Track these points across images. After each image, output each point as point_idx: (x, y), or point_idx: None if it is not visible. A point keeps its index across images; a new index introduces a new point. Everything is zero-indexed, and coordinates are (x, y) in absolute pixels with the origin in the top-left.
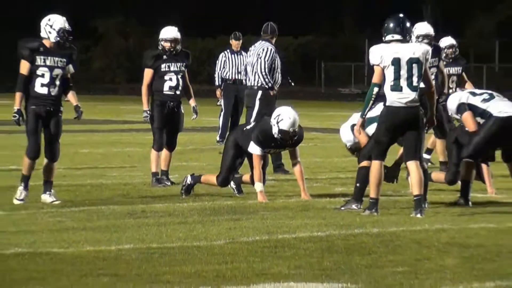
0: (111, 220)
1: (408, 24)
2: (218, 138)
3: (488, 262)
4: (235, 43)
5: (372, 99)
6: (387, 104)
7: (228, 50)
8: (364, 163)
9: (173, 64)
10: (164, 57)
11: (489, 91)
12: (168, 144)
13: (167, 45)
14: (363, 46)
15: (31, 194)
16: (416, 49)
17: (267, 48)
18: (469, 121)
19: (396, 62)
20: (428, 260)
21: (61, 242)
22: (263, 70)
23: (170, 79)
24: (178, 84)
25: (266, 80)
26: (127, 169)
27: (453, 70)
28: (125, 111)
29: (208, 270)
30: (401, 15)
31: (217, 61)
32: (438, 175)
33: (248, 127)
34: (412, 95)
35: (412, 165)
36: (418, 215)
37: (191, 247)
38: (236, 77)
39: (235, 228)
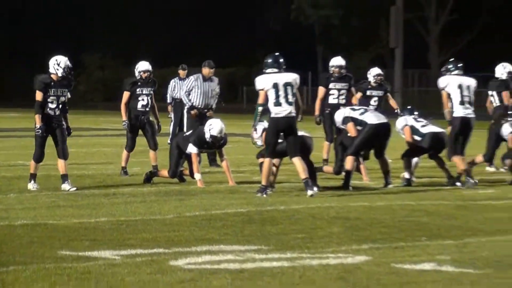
0: (91, 200)
1: (281, 60)
2: (168, 141)
3: (363, 231)
4: (182, 72)
5: (259, 114)
6: (271, 116)
7: (177, 77)
8: (261, 160)
9: (145, 88)
10: (139, 83)
11: (364, 107)
12: (152, 146)
13: (144, 75)
14: None
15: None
16: (289, 76)
17: (190, 78)
18: (351, 129)
19: (275, 86)
20: (320, 229)
21: (54, 216)
22: (183, 95)
23: (143, 100)
24: (148, 103)
25: (187, 102)
26: (103, 164)
27: (340, 85)
28: (102, 121)
29: (161, 236)
30: (277, 53)
31: (169, 86)
32: (327, 168)
33: (186, 134)
34: (289, 108)
35: (296, 159)
36: (309, 192)
37: (149, 220)
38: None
39: (181, 206)
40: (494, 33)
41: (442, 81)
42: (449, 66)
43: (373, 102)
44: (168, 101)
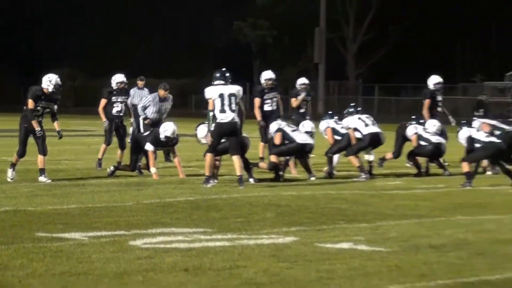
0: (63, 190)
1: (227, 74)
2: (129, 140)
3: (292, 216)
4: (140, 83)
5: (211, 119)
6: (217, 121)
7: (136, 87)
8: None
9: (119, 97)
10: (115, 92)
11: (297, 128)
12: (121, 146)
13: (120, 85)
14: None
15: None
16: (234, 88)
17: (148, 97)
18: (277, 138)
19: (221, 96)
20: (256, 214)
21: (32, 203)
22: (140, 108)
23: (117, 106)
24: (121, 109)
25: (142, 114)
26: (73, 160)
27: (272, 95)
28: (73, 124)
29: (122, 221)
30: (224, 69)
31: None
32: (262, 164)
33: (145, 134)
34: (232, 115)
35: (235, 157)
36: (241, 187)
37: (112, 206)
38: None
39: (139, 195)
40: (402, 50)
41: (346, 122)
42: (350, 109)
43: (303, 106)
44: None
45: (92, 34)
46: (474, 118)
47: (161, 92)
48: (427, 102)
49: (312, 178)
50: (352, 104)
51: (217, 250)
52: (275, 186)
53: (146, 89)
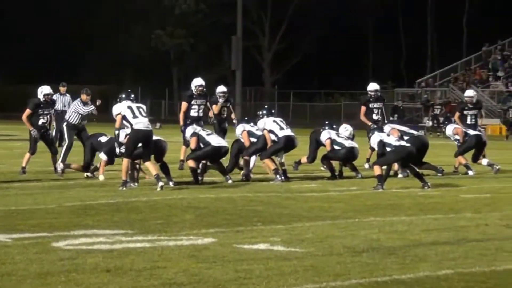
0: None
1: (133, 95)
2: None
3: (211, 218)
4: (62, 89)
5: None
6: (133, 127)
7: (58, 93)
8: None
9: (46, 109)
10: (41, 105)
11: (211, 132)
12: (53, 151)
13: (47, 97)
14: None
15: None
16: (140, 104)
17: (74, 102)
18: (193, 142)
19: (129, 107)
20: (175, 216)
21: None
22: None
23: (43, 118)
24: (47, 120)
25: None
26: None
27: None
28: None
29: (45, 223)
30: (129, 90)
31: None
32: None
33: (102, 141)
34: (145, 120)
35: (148, 163)
36: (159, 184)
37: (35, 209)
38: (62, 109)
39: (61, 198)
40: (315, 58)
41: (260, 123)
42: (264, 111)
43: (223, 113)
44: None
45: (12, 39)
46: (385, 123)
47: (84, 97)
48: (362, 108)
49: (229, 181)
50: (266, 107)
51: (138, 251)
52: (193, 189)
53: (68, 95)
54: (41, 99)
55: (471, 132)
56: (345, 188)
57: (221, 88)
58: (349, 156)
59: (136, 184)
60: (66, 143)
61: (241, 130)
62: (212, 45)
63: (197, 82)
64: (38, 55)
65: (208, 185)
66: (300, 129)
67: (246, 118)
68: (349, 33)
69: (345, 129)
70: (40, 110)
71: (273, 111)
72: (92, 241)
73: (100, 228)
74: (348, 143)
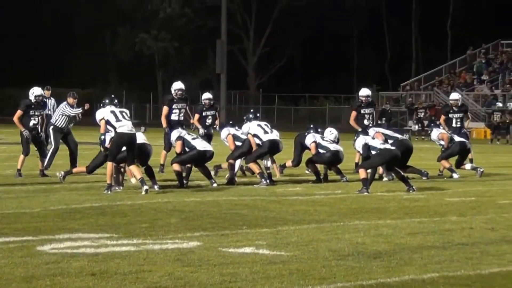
0: None
1: (116, 100)
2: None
3: (195, 221)
4: (47, 92)
5: (102, 142)
6: (117, 130)
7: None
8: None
9: (37, 110)
10: (33, 106)
11: (196, 135)
12: (41, 155)
13: (38, 98)
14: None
15: None
16: (121, 108)
17: (60, 105)
18: (178, 146)
19: (113, 112)
20: (161, 219)
21: None
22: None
23: (34, 119)
24: (38, 122)
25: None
26: None
27: (180, 105)
28: None
29: (30, 227)
30: (113, 96)
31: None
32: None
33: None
34: (128, 123)
35: (132, 167)
36: (144, 187)
37: (20, 213)
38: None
39: (46, 201)
40: (299, 62)
41: (245, 127)
42: (250, 116)
43: (208, 120)
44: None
45: None
46: (369, 126)
47: (70, 100)
48: (353, 113)
49: (215, 185)
50: (251, 111)
51: (123, 255)
52: (178, 192)
53: (52, 99)
54: (32, 100)
55: (457, 138)
56: (330, 192)
57: (207, 95)
58: (334, 160)
59: (121, 187)
60: (52, 147)
61: (226, 133)
62: (197, 49)
63: (177, 86)
64: (21, 58)
65: (193, 189)
66: (285, 132)
67: (230, 122)
68: (333, 37)
69: (330, 132)
70: (31, 111)
71: (258, 114)
72: (77, 244)
73: (85, 231)
74: (333, 147)
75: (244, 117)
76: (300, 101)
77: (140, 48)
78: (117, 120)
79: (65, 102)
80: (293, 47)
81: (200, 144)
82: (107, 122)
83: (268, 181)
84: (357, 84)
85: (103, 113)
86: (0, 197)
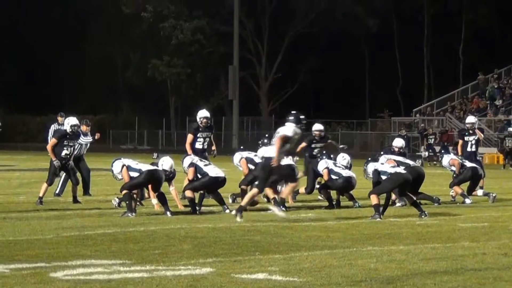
0: None
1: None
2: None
3: (209, 248)
4: (60, 119)
5: None
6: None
7: (56, 123)
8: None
9: (71, 141)
10: (67, 136)
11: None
12: (73, 182)
13: (73, 128)
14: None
15: None
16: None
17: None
18: (190, 173)
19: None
20: (173, 246)
21: None
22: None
23: (67, 149)
24: (70, 152)
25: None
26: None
27: (205, 134)
28: None
29: (43, 253)
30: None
31: (50, 130)
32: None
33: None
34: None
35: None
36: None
37: (33, 239)
38: None
39: (58, 228)
40: (309, 87)
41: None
42: (265, 140)
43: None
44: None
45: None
46: (381, 153)
47: (84, 127)
48: (303, 144)
49: (227, 211)
50: (266, 135)
51: (136, 281)
52: (191, 218)
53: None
54: (68, 130)
55: (468, 164)
56: (342, 218)
57: (204, 113)
58: (346, 186)
59: (134, 214)
60: (64, 174)
61: (238, 158)
62: (209, 75)
63: (202, 114)
64: (33, 84)
65: (206, 215)
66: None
67: (241, 147)
68: (345, 62)
69: (343, 158)
70: (65, 141)
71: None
72: (90, 271)
73: (98, 258)
74: (345, 173)
75: (259, 142)
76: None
77: (153, 74)
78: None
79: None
80: (305, 73)
81: (213, 171)
82: (128, 168)
83: (281, 206)
84: (369, 109)
85: (121, 164)
86: (13, 224)
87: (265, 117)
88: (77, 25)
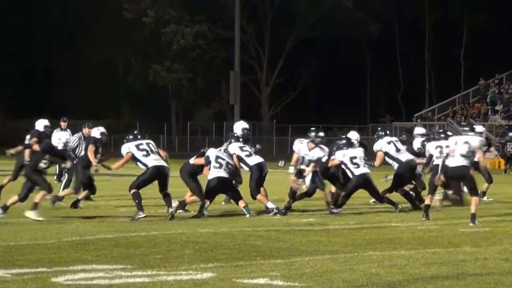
0: None
1: (140, 135)
2: (55, 179)
3: (210, 252)
4: (63, 124)
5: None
6: (152, 165)
7: (59, 128)
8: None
9: (101, 147)
10: (100, 142)
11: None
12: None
13: (102, 136)
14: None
15: None
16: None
17: (74, 137)
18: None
19: (138, 147)
20: (175, 251)
21: None
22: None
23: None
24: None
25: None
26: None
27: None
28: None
29: (45, 258)
30: (135, 131)
31: (53, 135)
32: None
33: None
34: (158, 157)
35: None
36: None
37: (34, 244)
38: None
39: (60, 233)
40: (311, 92)
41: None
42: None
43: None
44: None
45: (11, 75)
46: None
47: (86, 130)
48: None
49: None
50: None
51: (137, 286)
52: (192, 223)
53: (68, 130)
54: (98, 137)
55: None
56: (344, 222)
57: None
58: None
59: (143, 213)
60: (66, 179)
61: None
62: (210, 80)
63: (244, 125)
64: (33, 85)
65: (207, 220)
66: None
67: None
68: (346, 67)
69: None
70: (99, 148)
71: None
72: (91, 276)
73: (99, 263)
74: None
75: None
76: None
77: (154, 79)
78: (147, 155)
79: (79, 133)
80: (306, 78)
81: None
82: (133, 157)
83: (281, 210)
84: (370, 114)
85: (128, 148)
86: (14, 229)
87: (267, 122)
88: (77, 26)
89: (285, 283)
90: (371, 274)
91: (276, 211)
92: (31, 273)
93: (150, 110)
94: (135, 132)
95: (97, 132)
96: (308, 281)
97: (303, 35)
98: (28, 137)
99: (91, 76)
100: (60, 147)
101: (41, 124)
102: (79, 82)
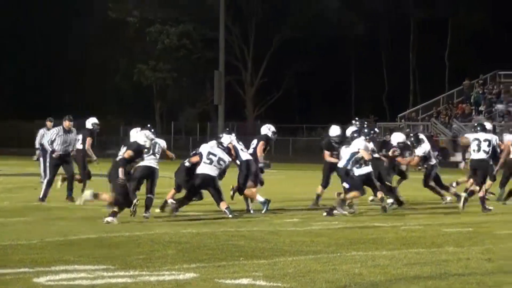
0: None
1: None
2: (41, 179)
3: (192, 252)
4: (49, 123)
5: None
6: (143, 164)
7: (45, 128)
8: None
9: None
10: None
11: None
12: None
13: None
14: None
15: None
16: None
17: (53, 130)
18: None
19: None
20: (157, 251)
21: None
22: (46, 142)
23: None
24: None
25: (48, 149)
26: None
27: None
28: None
29: (28, 258)
30: (149, 125)
31: (38, 134)
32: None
33: None
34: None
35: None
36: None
37: (16, 244)
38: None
39: (44, 233)
40: (295, 92)
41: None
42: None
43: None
44: (36, 146)
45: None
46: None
47: (66, 123)
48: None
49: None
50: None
51: (119, 287)
52: (175, 223)
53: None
54: (141, 143)
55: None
56: (327, 222)
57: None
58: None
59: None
60: (48, 179)
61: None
62: (195, 80)
63: (273, 128)
64: (33, 88)
65: (190, 220)
66: (283, 164)
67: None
68: (331, 67)
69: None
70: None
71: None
72: (73, 276)
73: (82, 263)
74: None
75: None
76: (298, 132)
77: (138, 78)
78: (147, 152)
79: (59, 127)
80: (290, 78)
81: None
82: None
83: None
84: (355, 114)
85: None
86: None
87: (251, 122)
88: (77, 26)
89: (268, 283)
90: (354, 274)
91: (267, 205)
92: (13, 274)
93: (135, 110)
94: (152, 129)
95: (89, 123)
96: (291, 281)
97: (288, 35)
98: (80, 137)
99: (90, 74)
100: (45, 142)
101: (90, 122)
102: (61, 81)
